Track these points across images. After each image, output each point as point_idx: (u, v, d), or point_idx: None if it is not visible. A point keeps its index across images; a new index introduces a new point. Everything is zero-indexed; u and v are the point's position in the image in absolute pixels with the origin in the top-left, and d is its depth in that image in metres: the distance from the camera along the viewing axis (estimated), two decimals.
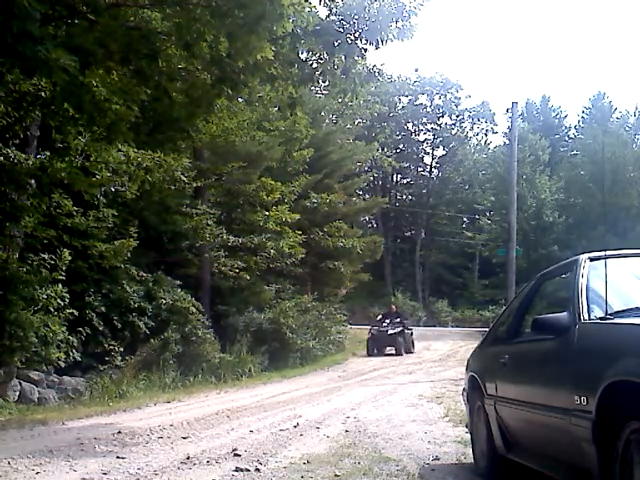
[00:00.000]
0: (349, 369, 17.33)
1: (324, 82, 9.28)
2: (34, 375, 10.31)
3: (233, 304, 16.83)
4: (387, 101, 44.89)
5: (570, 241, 34.71)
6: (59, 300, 10.32)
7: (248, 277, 16.30)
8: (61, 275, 10.49)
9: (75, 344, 10.88)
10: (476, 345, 6.00)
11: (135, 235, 12.97)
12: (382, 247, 29.12)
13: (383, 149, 43.31)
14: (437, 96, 49.08)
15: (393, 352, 21.34)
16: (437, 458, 5.81)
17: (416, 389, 11.97)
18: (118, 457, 5.96)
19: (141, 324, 12.98)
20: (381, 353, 21.64)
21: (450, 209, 47.16)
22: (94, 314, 12.02)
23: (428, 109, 49.28)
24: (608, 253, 3.74)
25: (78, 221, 11.52)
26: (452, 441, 6.63)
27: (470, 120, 50.86)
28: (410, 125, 49.70)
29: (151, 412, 9.63)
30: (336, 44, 8.24)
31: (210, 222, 15.59)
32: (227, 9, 7.31)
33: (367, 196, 34.57)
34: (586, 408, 3.07)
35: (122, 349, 12.41)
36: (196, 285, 15.96)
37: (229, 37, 7.62)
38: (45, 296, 10.11)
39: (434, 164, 51.35)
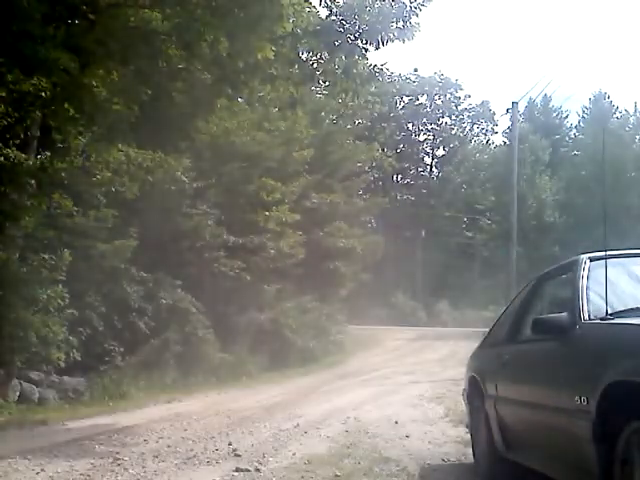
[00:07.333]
0: (349, 369, 17.32)
1: (325, 82, 9.30)
2: (34, 375, 10.30)
3: (233, 304, 16.81)
4: (387, 101, 44.82)
5: (570, 241, 34.66)
6: (59, 300, 10.29)
7: (248, 277, 16.29)
8: (61, 275, 10.47)
9: (75, 344, 10.87)
10: (476, 345, 6.00)
11: (135, 235, 12.95)
12: (382, 247, 29.04)
13: (383, 149, 43.23)
14: (437, 96, 49.05)
15: None
16: (437, 458, 5.81)
17: (416, 389, 11.96)
18: (118, 457, 5.96)
19: (141, 324, 12.97)
20: None
21: (450, 209, 47.09)
22: (94, 314, 12.00)
23: (428, 109, 49.25)
24: (608, 253, 3.73)
25: (78, 221, 11.51)
26: (452, 441, 6.63)
27: (470, 120, 50.85)
28: (410, 125, 49.66)
29: (151, 412, 9.63)
30: (337, 44, 8.25)
31: (210, 222, 15.58)
32: (227, 9, 7.32)
33: (367, 196, 34.46)
34: (586, 408, 3.07)
35: (122, 349, 12.40)
36: (196, 285, 15.94)
37: (229, 37, 7.64)
38: (45, 296, 10.09)
39: (434, 164, 51.33)
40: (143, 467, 5.56)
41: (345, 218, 24.14)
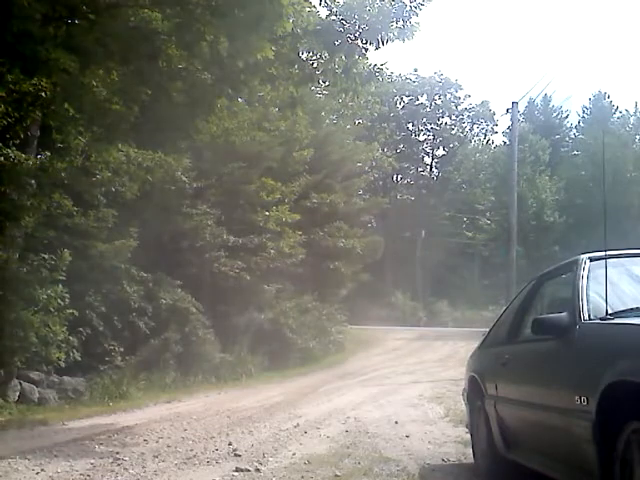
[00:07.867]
0: (349, 369, 17.32)
1: (325, 82, 9.30)
2: (34, 375, 10.31)
3: (233, 304, 16.81)
4: (387, 101, 44.85)
5: (570, 241, 34.68)
6: (59, 300, 10.30)
7: (248, 277, 16.29)
8: (61, 275, 10.48)
9: (75, 344, 10.87)
10: (476, 345, 6.00)
11: (135, 235, 12.95)
12: (382, 247, 29.04)
13: (383, 149, 43.24)
14: (437, 96, 49.07)
15: None
16: (437, 458, 5.81)
17: (416, 389, 11.96)
18: (118, 457, 5.96)
19: (141, 324, 12.98)
20: None
21: (450, 209, 47.09)
22: (94, 314, 12.01)
23: (428, 109, 49.26)
24: (608, 253, 3.73)
25: (78, 221, 11.51)
26: (452, 441, 6.64)
27: (470, 120, 50.86)
28: (410, 125, 49.68)
29: (151, 412, 9.63)
30: (337, 44, 8.25)
31: (210, 222, 15.58)
32: (227, 9, 7.32)
33: (367, 196, 34.44)
34: (586, 408, 3.07)
35: (122, 349, 12.40)
36: (196, 285, 15.94)
37: (229, 37, 7.63)
38: (45, 296, 10.10)
39: (434, 164, 51.35)
40: (143, 467, 5.56)
41: (345, 218, 24.14)
